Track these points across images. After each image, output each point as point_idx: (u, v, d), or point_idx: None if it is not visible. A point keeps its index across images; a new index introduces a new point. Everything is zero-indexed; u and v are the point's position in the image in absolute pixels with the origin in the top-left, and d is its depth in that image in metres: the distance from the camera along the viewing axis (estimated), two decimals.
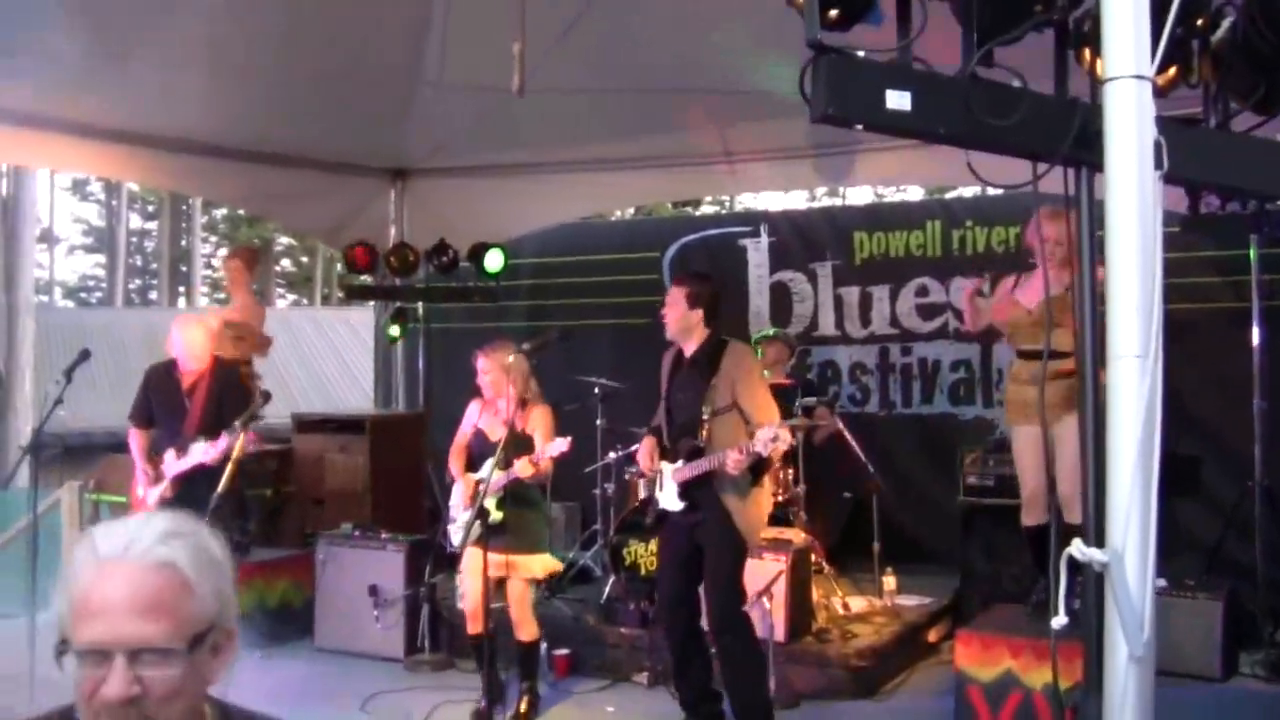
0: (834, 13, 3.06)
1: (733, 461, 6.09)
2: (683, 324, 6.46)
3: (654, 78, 8.20)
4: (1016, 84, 3.25)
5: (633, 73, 8.20)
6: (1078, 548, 2.74)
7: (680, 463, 6.40)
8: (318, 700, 7.51)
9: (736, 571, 6.41)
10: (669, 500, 6.49)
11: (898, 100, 3.06)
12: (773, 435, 5.99)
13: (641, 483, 7.16)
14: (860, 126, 3.12)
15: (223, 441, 7.20)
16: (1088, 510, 3.11)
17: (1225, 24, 3.48)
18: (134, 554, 1.93)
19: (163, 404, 7.82)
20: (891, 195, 28.31)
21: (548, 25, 7.33)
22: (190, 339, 7.82)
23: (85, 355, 7.42)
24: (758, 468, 6.35)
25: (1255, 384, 7.88)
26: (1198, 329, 8.15)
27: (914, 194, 26.48)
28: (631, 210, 17.68)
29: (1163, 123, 2.87)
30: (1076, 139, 3.19)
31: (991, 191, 11.74)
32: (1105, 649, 2.79)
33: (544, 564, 7.25)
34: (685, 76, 8.15)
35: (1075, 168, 3.27)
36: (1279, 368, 8.04)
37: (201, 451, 7.32)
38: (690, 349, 6.51)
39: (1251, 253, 7.97)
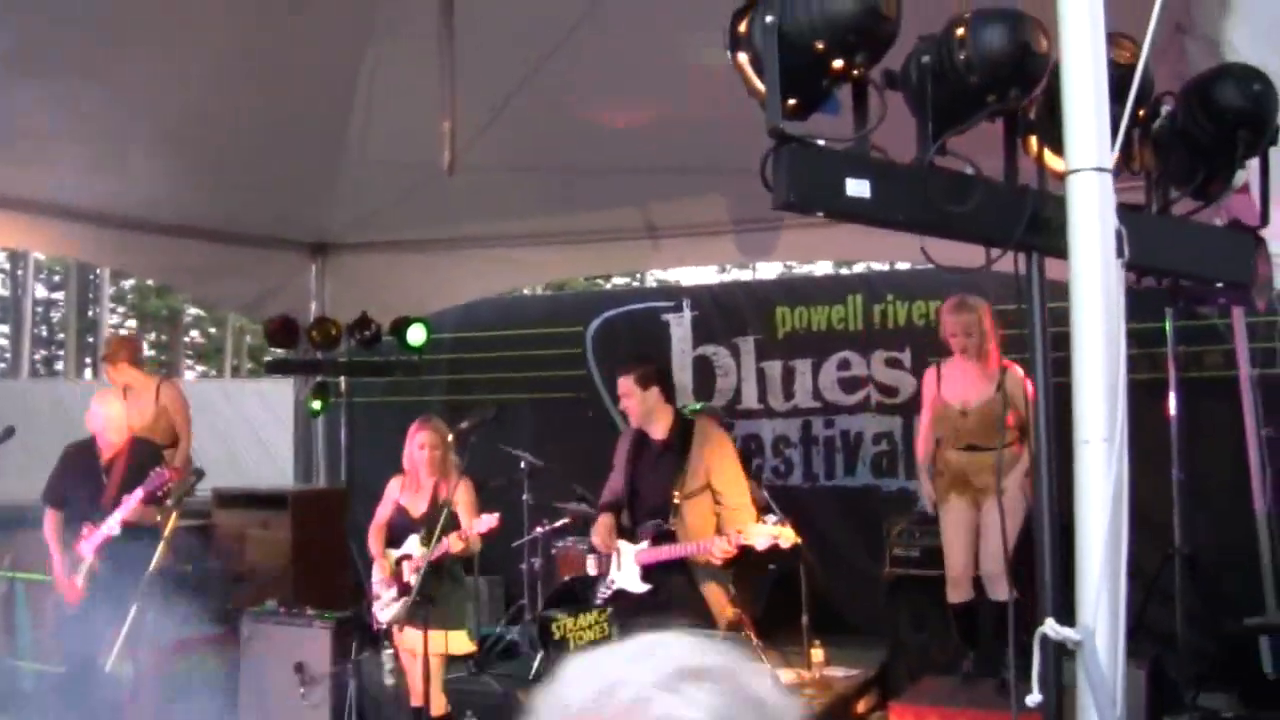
0: (793, 102, 3.14)
1: (720, 552, 6.12)
2: (644, 408, 6.49)
3: (578, 154, 8.28)
4: (969, 171, 3.35)
5: (557, 150, 8.27)
6: (1051, 626, 2.81)
7: (645, 544, 6.37)
8: None
9: None
10: (628, 581, 6.46)
11: (857, 188, 3.13)
12: (775, 535, 6.04)
13: (591, 559, 7.07)
14: (821, 214, 3.19)
15: (129, 503, 7.08)
16: (1043, 587, 3.18)
17: (1164, 112, 3.61)
18: (614, 708, 1.17)
19: (80, 480, 7.64)
20: (800, 268, 28.68)
21: (474, 102, 7.39)
22: (110, 412, 7.68)
23: (10, 432, 7.30)
24: None
25: (1173, 455, 8.04)
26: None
27: (822, 267, 26.94)
28: (542, 286, 17.77)
29: (1122, 212, 2.99)
30: (1028, 225, 3.29)
31: (901, 265, 12.03)
32: None
33: (460, 642, 7.19)
34: (609, 153, 8.23)
35: (1026, 252, 3.37)
36: (1195, 439, 8.23)
37: (116, 520, 7.17)
38: (658, 431, 6.52)
39: (1167, 325, 8.16)
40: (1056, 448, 3.29)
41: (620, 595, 6.57)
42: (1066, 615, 2.98)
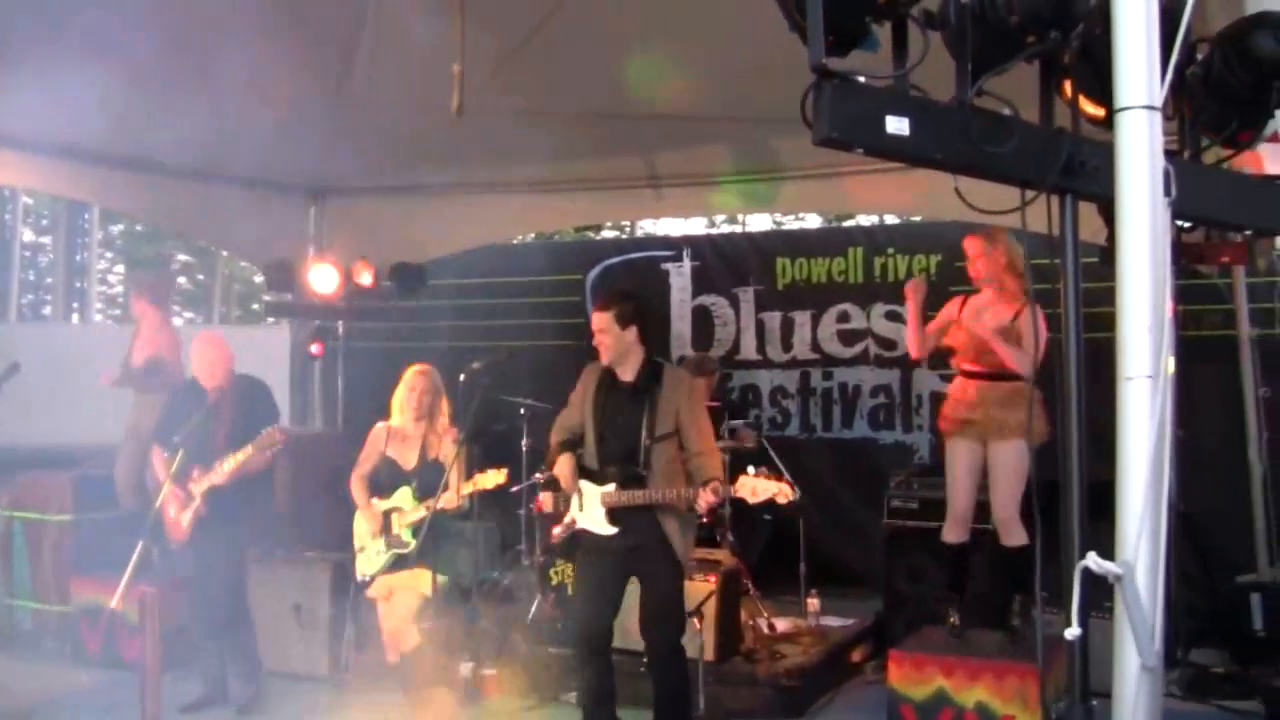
0: (831, 38, 3.13)
1: (705, 504, 6.01)
2: (619, 347, 6.26)
3: (584, 102, 8.24)
4: (1007, 112, 3.36)
5: (563, 97, 8.22)
6: (1093, 560, 2.84)
7: (612, 486, 6.25)
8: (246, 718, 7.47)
9: (680, 597, 6.38)
10: (593, 522, 6.30)
11: (897, 126, 3.13)
12: (772, 491, 5.96)
13: (545, 495, 6.93)
14: (861, 151, 3.19)
15: (239, 460, 7.18)
16: (1072, 525, 3.21)
17: (1199, 60, 3.62)
18: None
19: (186, 421, 7.47)
20: (790, 223, 28.64)
21: (481, 48, 7.33)
22: (202, 355, 7.65)
23: (15, 368, 7.29)
24: None
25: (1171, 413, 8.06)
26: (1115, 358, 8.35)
27: (811, 221, 26.94)
28: (533, 235, 17.67)
29: (1168, 153, 3.00)
30: (1064, 167, 3.30)
31: (891, 219, 12.04)
32: (1116, 659, 2.89)
33: (426, 582, 7.16)
34: (614, 101, 8.20)
35: (1061, 195, 3.38)
36: (1194, 397, 8.28)
37: (225, 470, 7.22)
38: (627, 373, 6.32)
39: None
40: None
41: (582, 535, 6.45)
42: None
